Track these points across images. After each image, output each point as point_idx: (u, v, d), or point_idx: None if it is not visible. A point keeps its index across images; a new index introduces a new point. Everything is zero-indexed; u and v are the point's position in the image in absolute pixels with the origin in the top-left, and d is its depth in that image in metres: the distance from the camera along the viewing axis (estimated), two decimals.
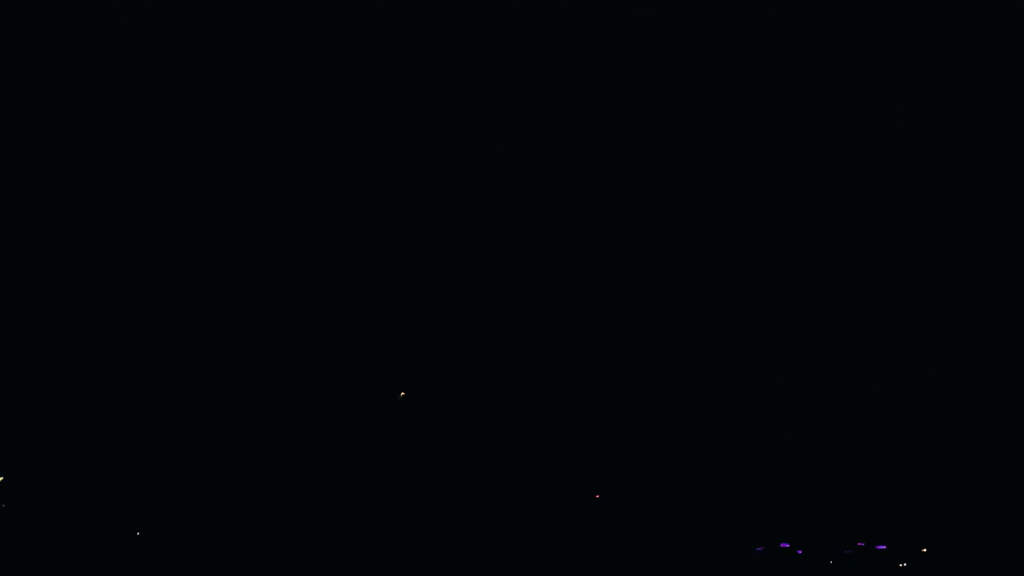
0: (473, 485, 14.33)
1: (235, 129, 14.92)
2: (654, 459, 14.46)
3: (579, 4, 14.83)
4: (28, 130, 14.57)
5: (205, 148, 14.88)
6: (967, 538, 13.88)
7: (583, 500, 14.26)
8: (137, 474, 14.18)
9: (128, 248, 14.68)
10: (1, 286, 14.45)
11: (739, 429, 14.49)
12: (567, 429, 14.53)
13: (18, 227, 14.57)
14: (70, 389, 14.34)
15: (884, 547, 13.96)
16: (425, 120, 15.04)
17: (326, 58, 14.90)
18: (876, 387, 14.42)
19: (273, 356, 14.62)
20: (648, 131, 14.95)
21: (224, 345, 14.61)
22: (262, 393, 14.52)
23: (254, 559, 13.90)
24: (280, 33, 14.82)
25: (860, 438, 14.38)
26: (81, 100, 14.68)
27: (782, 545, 14.16)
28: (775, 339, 14.61)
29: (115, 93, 14.72)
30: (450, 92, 15.03)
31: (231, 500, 14.15)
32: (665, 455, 14.46)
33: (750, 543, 14.19)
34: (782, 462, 14.40)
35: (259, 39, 14.81)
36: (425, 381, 14.67)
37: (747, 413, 14.50)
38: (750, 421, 14.49)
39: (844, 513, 14.28)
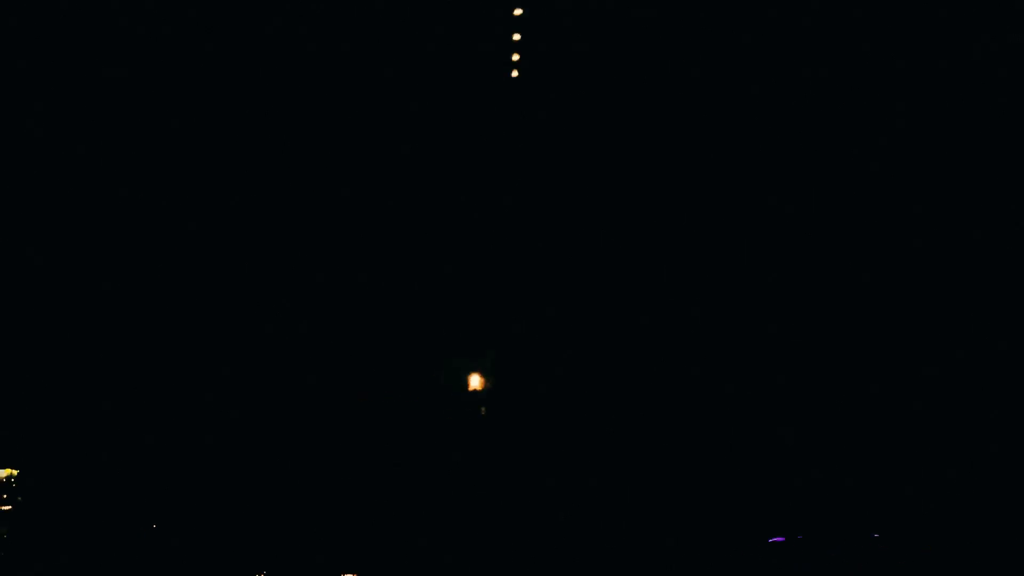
0: (473, 485, 14.34)
1: (235, 129, 14.93)
2: (654, 459, 14.46)
3: (579, 4, 14.84)
4: (28, 130, 14.58)
5: (205, 148, 14.89)
6: (967, 538, 13.88)
7: (583, 500, 14.26)
8: (137, 474, 14.18)
9: (128, 248, 14.69)
10: (1, 286, 14.46)
11: (739, 429, 14.48)
12: (567, 429, 14.53)
13: (18, 227, 14.58)
14: (70, 389, 14.34)
15: (886, 543, 13.96)
16: (425, 120, 15.04)
17: (326, 58, 14.90)
18: (876, 387, 14.42)
19: (273, 356, 14.62)
20: (648, 131, 14.95)
21: (224, 345, 14.61)
22: (262, 393, 14.52)
23: (254, 559, 13.90)
24: (280, 33, 14.83)
25: (860, 438, 14.38)
26: (81, 100, 14.69)
27: (779, 541, 14.16)
28: (775, 339, 14.61)
29: (115, 93, 14.73)
30: (450, 92, 15.03)
31: (231, 500, 14.16)
32: (665, 455, 14.46)
33: (750, 543, 14.18)
34: (782, 462, 14.40)
35: (259, 39, 14.82)
36: (425, 381, 14.67)
37: (747, 413, 14.50)
38: (750, 421, 14.49)
39: (844, 513, 14.28)
